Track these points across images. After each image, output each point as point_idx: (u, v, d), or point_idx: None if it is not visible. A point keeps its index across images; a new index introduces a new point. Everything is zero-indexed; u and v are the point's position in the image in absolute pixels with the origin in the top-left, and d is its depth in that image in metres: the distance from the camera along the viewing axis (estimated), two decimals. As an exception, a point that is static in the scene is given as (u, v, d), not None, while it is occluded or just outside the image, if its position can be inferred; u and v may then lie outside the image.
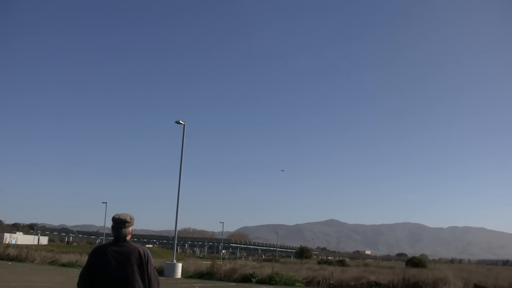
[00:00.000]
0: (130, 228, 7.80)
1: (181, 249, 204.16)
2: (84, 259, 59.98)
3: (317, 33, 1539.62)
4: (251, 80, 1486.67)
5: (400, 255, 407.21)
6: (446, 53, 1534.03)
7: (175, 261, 52.95)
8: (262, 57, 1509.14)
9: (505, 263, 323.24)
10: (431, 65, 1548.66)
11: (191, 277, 52.75)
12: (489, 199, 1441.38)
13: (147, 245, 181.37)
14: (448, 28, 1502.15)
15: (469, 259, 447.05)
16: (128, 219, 7.76)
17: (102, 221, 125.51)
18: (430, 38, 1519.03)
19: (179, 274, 51.56)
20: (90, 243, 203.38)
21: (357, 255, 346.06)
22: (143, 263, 7.61)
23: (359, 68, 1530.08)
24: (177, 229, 57.73)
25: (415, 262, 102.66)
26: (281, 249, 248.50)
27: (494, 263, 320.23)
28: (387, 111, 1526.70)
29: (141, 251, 7.69)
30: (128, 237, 7.83)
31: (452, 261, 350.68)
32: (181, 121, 54.74)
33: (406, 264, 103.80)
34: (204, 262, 67.69)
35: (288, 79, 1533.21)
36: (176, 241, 62.11)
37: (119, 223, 7.68)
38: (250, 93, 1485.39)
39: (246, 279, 49.68)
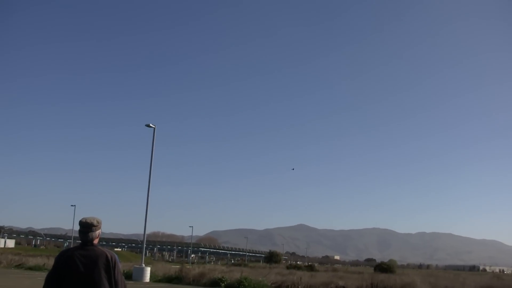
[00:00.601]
0: (97, 232, 7.76)
1: (150, 253, 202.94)
2: (51, 262, 59.41)
3: (297, 46, 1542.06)
4: (226, 91, 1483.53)
5: (369, 260, 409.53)
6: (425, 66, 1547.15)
7: (143, 265, 52.76)
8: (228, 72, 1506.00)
9: (472, 268, 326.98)
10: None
11: (159, 281, 52.58)
12: (456, 205, 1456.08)
13: (115, 249, 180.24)
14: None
15: (436, 265, 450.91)
16: (95, 222, 7.73)
17: (71, 224, 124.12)
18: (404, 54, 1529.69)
19: (147, 278, 51.40)
20: (58, 246, 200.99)
21: (326, 260, 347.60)
22: (110, 267, 7.58)
23: (324, 84, 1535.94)
24: (146, 233, 57.49)
25: (384, 268, 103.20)
26: (251, 254, 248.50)
27: (461, 268, 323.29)
28: (359, 121, 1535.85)
29: (109, 255, 7.65)
30: (96, 241, 7.79)
31: (420, 266, 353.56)
32: (151, 125, 54.61)
33: (375, 270, 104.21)
34: (173, 266, 67.34)
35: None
36: (145, 245, 61.78)
37: (86, 227, 7.64)
38: (223, 101, 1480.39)
39: (215, 283, 49.67)
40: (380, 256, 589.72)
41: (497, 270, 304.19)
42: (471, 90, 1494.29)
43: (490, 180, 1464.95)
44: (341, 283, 49.79)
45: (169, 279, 53.11)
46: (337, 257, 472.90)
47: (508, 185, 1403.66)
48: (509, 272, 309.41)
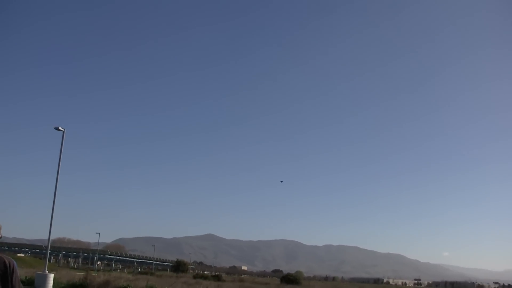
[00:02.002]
0: (-5, 236, 7.65)
1: (54, 259, 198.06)
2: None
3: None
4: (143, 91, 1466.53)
5: (276, 271, 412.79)
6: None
7: (47, 271, 51.50)
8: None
9: (376, 281, 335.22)
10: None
11: (63, 288, 51.59)
12: (362, 219, 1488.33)
13: (18, 254, 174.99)
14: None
15: (342, 277, 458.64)
16: (-8, 226, 7.63)
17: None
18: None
19: (50, 285, 50.20)
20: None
21: (234, 271, 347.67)
22: (7, 273, 7.46)
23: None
24: (51, 238, 56.20)
25: (290, 279, 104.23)
26: (158, 262, 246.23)
27: (366, 281, 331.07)
28: (273, 128, 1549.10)
29: (6, 261, 7.53)
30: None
31: (326, 278, 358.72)
32: (60, 128, 53.53)
33: (281, 281, 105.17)
34: (77, 273, 66.15)
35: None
36: (49, 251, 60.38)
37: (-16, 232, 7.54)
38: (134, 101, 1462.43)
39: (121, 291, 49.14)
40: (287, 268, 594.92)
41: (400, 283, 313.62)
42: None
43: (394, 196, 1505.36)
44: (247, 293, 50.25)
45: (73, 287, 52.15)
46: (244, 268, 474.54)
47: (410, 202, 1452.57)
48: (411, 284, 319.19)
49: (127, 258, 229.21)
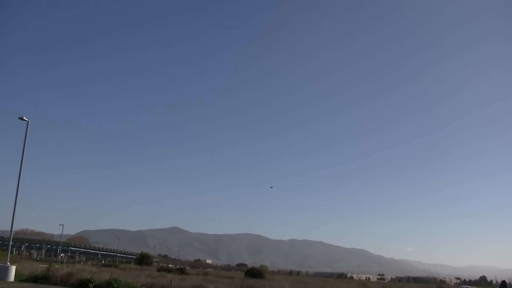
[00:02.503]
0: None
1: (17, 251, 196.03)
2: None
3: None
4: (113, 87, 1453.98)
5: (240, 265, 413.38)
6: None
7: (8, 263, 50.93)
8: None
9: (340, 276, 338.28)
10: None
11: (25, 280, 51.02)
12: (327, 214, 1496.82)
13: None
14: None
15: (307, 271, 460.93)
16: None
17: None
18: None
19: (12, 277, 49.71)
20: None
21: (198, 264, 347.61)
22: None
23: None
24: (13, 229, 55.50)
25: (254, 273, 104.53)
26: (122, 255, 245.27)
27: (330, 275, 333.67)
28: (239, 125, 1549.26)
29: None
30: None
31: (290, 273, 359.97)
32: (24, 118, 52.88)
33: (246, 274, 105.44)
34: (40, 265, 65.46)
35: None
36: (11, 243, 59.66)
37: None
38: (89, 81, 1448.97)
39: (83, 284, 48.75)
40: (251, 262, 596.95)
41: (364, 278, 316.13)
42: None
43: (359, 193, 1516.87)
44: (211, 287, 50.15)
45: (35, 279, 51.61)
46: (209, 261, 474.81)
47: (376, 198, 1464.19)
48: (374, 279, 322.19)
49: (91, 251, 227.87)
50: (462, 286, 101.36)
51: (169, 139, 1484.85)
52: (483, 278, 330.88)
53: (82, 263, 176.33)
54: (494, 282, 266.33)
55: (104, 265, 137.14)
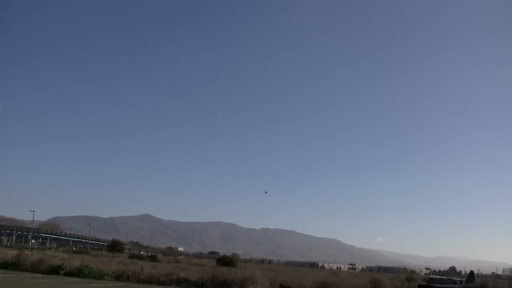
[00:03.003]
0: None
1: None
2: None
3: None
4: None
5: (212, 253, 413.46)
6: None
7: (-22, 249, 50.50)
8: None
9: (311, 265, 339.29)
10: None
11: (-5, 266, 50.69)
12: (300, 204, 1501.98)
13: None
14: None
15: (278, 260, 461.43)
16: None
17: None
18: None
19: (-18, 263, 49.37)
20: None
21: (170, 251, 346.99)
22: None
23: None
24: (-16, 215, 54.99)
25: (226, 261, 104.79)
26: (93, 242, 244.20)
27: (301, 264, 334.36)
28: (211, 109, 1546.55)
29: None
30: None
31: (262, 261, 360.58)
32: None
33: (217, 262, 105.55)
34: (10, 252, 65.07)
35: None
36: (-19, 228, 59.23)
37: None
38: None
39: (54, 270, 48.63)
40: (223, 250, 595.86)
41: (335, 267, 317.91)
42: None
43: (331, 182, 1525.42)
44: (182, 274, 50.28)
45: (5, 265, 51.33)
46: (181, 249, 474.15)
47: (346, 189, 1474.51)
48: (345, 269, 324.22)
49: (62, 237, 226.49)
50: (431, 275, 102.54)
51: (142, 126, 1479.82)
52: (452, 269, 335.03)
53: (53, 249, 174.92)
54: (463, 272, 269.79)
55: (75, 252, 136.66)
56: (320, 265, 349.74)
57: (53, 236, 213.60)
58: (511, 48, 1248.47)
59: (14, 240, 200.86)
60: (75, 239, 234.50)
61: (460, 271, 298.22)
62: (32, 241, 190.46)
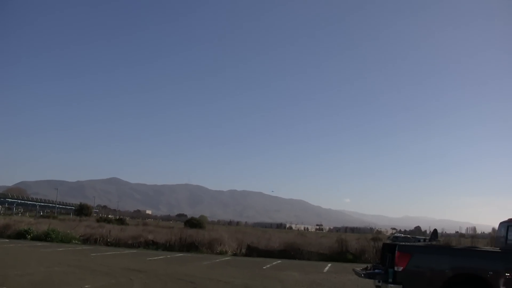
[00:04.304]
0: None
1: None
2: None
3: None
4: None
5: (180, 215, 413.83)
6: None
7: None
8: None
9: (279, 226, 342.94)
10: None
11: (-40, 232, 50.40)
12: (267, 166, 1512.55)
13: None
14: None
15: (246, 222, 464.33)
16: None
17: None
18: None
19: None
20: None
21: (138, 215, 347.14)
22: None
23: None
24: None
25: (194, 223, 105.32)
26: (61, 206, 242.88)
27: (269, 226, 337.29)
28: (174, 74, 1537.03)
29: None
30: None
31: (230, 223, 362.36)
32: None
33: (185, 224, 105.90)
34: (-24, 217, 64.64)
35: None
36: None
37: None
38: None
39: (21, 235, 48.54)
40: (191, 212, 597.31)
41: (302, 228, 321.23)
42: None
43: (298, 145, 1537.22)
44: (150, 237, 50.55)
45: (-30, 231, 51.05)
46: (149, 212, 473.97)
47: (312, 151, 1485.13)
48: (312, 230, 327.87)
49: (29, 202, 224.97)
50: (396, 234, 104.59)
51: (110, 91, 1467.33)
52: (417, 228, 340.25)
53: (19, 214, 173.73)
54: (427, 231, 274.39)
55: (42, 217, 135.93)
56: (287, 226, 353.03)
57: (19, 201, 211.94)
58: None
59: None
60: (42, 204, 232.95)
61: (425, 230, 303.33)
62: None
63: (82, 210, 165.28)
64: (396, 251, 15.77)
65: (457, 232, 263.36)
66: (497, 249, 17.68)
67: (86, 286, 19.10)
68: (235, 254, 44.80)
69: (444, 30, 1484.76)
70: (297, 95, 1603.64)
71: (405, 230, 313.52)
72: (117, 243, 48.32)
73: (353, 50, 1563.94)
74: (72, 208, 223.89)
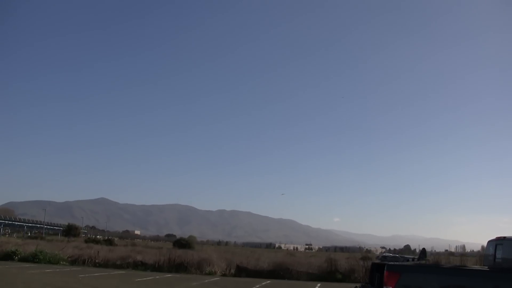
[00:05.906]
0: None
1: None
2: None
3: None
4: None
5: (169, 236, 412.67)
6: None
7: None
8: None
9: (268, 246, 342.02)
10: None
11: None
12: (255, 185, 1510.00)
13: None
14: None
15: (235, 242, 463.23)
16: None
17: None
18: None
19: None
20: None
21: (127, 235, 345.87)
22: None
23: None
24: None
25: (183, 243, 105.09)
26: (49, 226, 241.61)
27: (258, 245, 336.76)
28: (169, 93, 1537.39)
29: None
30: None
31: (219, 243, 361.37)
32: None
33: (174, 245, 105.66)
34: (-38, 238, 64.20)
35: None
36: None
37: None
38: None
39: (8, 256, 48.25)
40: (180, 232, 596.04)
41: (291, 248, 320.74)
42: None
43: (286, 163, 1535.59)
44: (139, 257, 50.35)
45: (-43, 252, 50.68)
46: (137, 232, 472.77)
47: (303, 168, 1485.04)
48: (302, 249, 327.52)
49: (16, 223, 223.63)
50: (385, 253, 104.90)
51: (98, 111, 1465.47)
52: (407, 247, 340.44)
53: (7, 235, 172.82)
54: (417, 250, 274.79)
55: (30, 237, 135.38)
56: (276, 245, 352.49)
57: (6, 221, 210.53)
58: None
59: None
60: (30, 225, 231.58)
61: (415, 249, 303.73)
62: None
63: (70, 231, 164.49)
64: (385, 271, 15.81)
65: (447, 250, 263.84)
66: (486, 268, 17.79)
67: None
68: (224, 275, 44.73)
69: (438, 51, 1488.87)
70: (287, 116, 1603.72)
71: (394, 249, 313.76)
72: (105, 264, 48.15)
73: (340, 75, 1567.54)
74: (60, 229, 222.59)
